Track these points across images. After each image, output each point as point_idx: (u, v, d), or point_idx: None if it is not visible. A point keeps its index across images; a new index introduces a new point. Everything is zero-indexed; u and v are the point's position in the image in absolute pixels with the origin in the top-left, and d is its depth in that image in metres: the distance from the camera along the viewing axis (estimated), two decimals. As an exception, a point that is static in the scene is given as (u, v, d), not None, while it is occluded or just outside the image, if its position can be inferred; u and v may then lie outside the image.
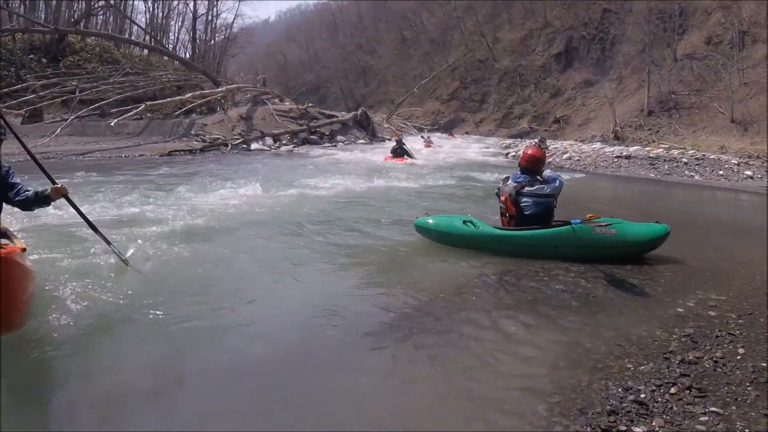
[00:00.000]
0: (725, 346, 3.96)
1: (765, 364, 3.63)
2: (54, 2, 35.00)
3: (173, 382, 3.46)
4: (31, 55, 28.32)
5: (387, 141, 30.82)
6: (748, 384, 3.37)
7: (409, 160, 19.32)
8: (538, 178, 6.45)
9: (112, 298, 4.50)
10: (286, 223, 7.95)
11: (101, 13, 40.71)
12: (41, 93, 24.42)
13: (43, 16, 34.07)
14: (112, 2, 39.87)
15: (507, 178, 6.69)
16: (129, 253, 5.40)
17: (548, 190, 6.30)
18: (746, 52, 29.58)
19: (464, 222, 6.60)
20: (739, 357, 3.76)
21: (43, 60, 28.42)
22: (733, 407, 3.10)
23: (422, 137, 32.53)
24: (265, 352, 3.84)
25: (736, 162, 19.57)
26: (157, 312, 4.34)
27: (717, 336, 4.14)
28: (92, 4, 37.25)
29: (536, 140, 29.91)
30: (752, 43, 30.11)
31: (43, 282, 4.46)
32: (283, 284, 5.30)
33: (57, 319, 3.99)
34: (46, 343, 3.71)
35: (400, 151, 19.83)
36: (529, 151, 6.69)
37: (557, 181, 6.38)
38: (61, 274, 4.84)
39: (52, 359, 3.59)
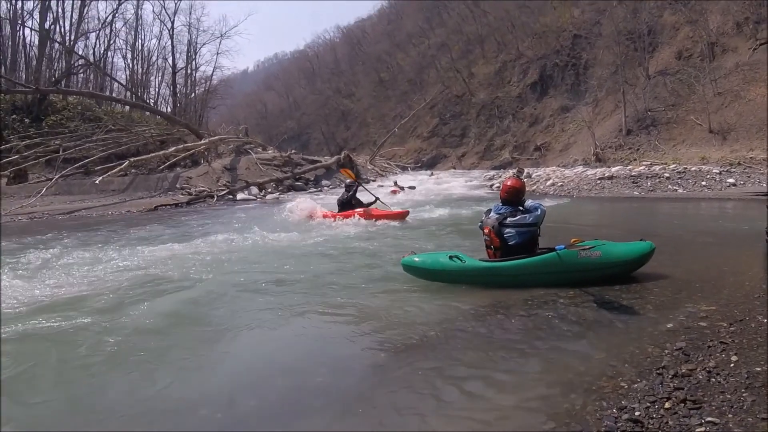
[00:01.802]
0: (718, 355, 3.97)
1: (759, 369, 3.64)
2: (34, 62, 35.29)
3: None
4: (14, 116, 28.42)
5: (371, 182, 30.80)
6: (743, 390, 3.38)
7: (361, 215, 13.16)
8: (520, 208, 6.49)
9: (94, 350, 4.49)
10: (273, 269, 7.85)
11: (82, 71, 40.98)
12: (25, 153, 24.35)
13: (24, 76, 34.26)
14: (91, 60, 40.21)
15: (489, 211, 6.70)
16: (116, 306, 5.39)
17: (530, 219, 6.33)
18: (717, 63, 30.26)
19: (450, 257, 6.57)
20: (732, 364, 3.77)
21: (26, 120, 28.52)
22: (730, 415, 3.11)
23: (394, 183, 27.45)
24: (257, 402, 3.78)
25: (718, 171, 19.86)
26: (145, 361, 4.37)
27: (709, 346, 4.15)
28: (72, 62, 37.54)
29: (514, 171, 30.14)
30: (722, 53, 30.84)
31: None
32: (272, 330, 5.22)
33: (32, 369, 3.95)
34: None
35: (350, 202, 13.84)
36: (509, 183, 6.73)
37: (539, 210, 6.41)
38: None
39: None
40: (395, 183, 27.33)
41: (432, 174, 39.64)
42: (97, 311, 5.63)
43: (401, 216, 13.40)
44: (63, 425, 3.51)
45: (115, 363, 4.42)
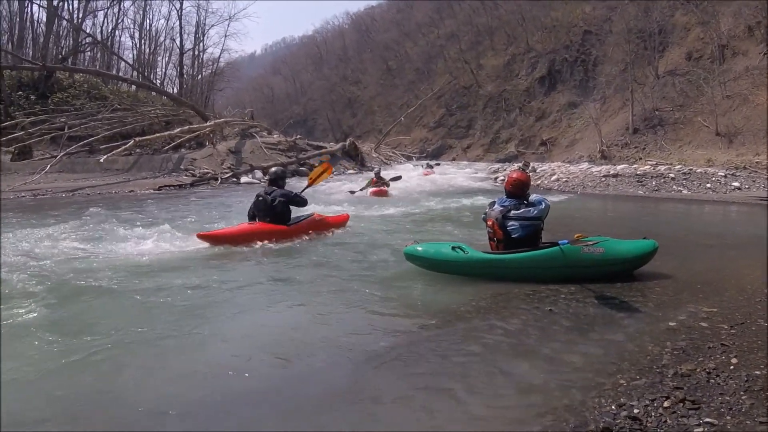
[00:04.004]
0: (718, 356, 3.97)
1: (759, 372, 3.64)
2: (42, 39, 35.20)
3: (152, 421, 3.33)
4: (20, 92, 28.37)
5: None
6: (742, 393, 3.37)
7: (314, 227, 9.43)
8: (524, 201, 6.47)
9: (86, 334, 4.49)
10: (273, 254, 7.87)
11: (89, 49, 40.92)
12: (30, 130, 24.31)
13: (30, 53, 34.17)
14: (99, 39, 40.11)
15: (493, 203, 6.67)
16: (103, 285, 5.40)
17: (535, 212, 6.30)
18: (727, 65, 30.05)
19: (453, 248, 6.52)
20: (732, 367, 3.77)
21: (32, 97, 28.43)
22: (728, 417, 3.11)
23: (375, 177, 18.51)
24: (253, 387, 3.75)
25: (723, 174, 19.76)
26: (132, 347, 4.32)
27: (709, 347, 4.15)
28: (80, 40, 37.44)
29: (520, 164, 30.04)
30: (732, 56, 30.61)
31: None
32: (271, 315, 5.22)
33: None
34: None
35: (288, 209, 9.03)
36: (515, 175, 6.69)
37: (543, 204, 6.39)
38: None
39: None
40: (378, 172, 19.25)
41: (431, 166, 33.05)
42: (94, 291, 5.64)
43: (343, 221, 10.34)
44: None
45: (111, 342, 4.40)
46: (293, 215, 9.19)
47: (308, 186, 10.30)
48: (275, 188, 9.01)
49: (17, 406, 3.33)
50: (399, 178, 19.81)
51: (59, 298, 5.30)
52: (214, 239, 8.13)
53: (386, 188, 17.82)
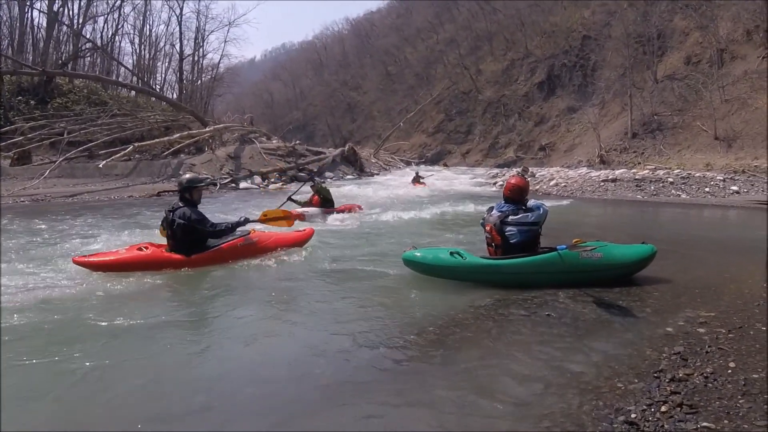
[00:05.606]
0: (716, 361, 3.98)
1: (756, 376, 3.65)
2: (42, 44, 35.27)
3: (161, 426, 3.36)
4: (20, 97, 28.44)
5: (375, 175, 30.60)
6: (740, 397, 3.38)
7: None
8: (523, 207, 6.46)
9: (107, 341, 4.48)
10: (270, 260, 7.79)
11: (89, 55, 40.96)
12: (30, 135, 24.37)
13: (30, 58, 34.20)
14: (99, 44, 40.17)
15: (491, 208, 6.67)
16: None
17: (532, 218, 6.30)
18: (725, 70, 30.12)
19: (451, 254, 6.54)
20: (729, 371, 3.78)
21: (32, 102, 28.51)
22: (726, 421, 3.12)
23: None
24: (254, 393, 3.77)
25: (722, 178, 19.79)
26: (143, 354, 4.36)
27: (707, 352, 4.16)
28: (80, 46, 37.50)
29: (519, 169, 29.98)
30: (731, 60, 30.68)
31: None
32: (270, 322, 5.21)
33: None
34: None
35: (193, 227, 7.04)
36: (513, 181, 6.70)
37: (541, 209, 6.39)
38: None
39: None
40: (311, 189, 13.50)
41: (420, 178, 25.95)
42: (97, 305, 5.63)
43: (305, 238, 8.46)
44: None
45: (117, 349, 4.42)
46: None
47: (257, 221, 8.22)
48: (181, 205, 7.07)
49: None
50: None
51: None
52: (93, 266, 6.56)
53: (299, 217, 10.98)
